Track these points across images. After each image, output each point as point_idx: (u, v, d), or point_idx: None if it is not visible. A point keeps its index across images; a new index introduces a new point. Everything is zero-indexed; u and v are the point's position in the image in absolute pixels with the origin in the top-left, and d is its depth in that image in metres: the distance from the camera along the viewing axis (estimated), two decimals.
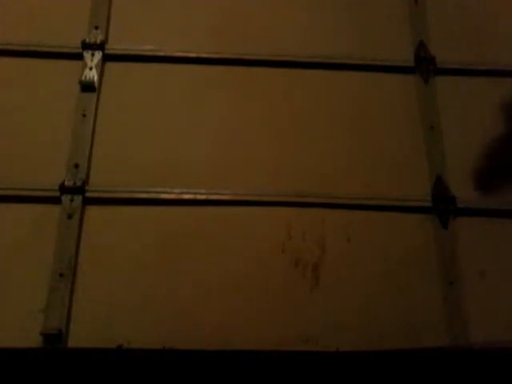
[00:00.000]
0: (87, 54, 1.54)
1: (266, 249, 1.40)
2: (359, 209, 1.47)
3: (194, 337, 1.29)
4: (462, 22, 1.71)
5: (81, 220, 1.38)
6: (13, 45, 1.54)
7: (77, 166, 1.43)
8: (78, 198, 1.39)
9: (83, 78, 1.51)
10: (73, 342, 1.27)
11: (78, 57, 1.54)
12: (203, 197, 1.43)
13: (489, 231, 1.47)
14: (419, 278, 1.40)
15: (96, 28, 1.58)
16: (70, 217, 1.37)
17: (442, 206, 1.48)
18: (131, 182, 1.44)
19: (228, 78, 1.58)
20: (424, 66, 1.63)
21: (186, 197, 1.43)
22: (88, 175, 1.43)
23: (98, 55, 1.54)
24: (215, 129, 1.52)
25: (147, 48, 1.58)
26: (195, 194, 1.43)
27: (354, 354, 1.04)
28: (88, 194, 1.40)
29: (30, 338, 1.26)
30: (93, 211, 1.40)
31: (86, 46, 1.55)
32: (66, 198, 1.39)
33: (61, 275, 1.31)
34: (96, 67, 1.53)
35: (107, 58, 1.56)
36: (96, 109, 1.50)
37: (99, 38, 1.56)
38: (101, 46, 1.55)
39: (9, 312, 1.29)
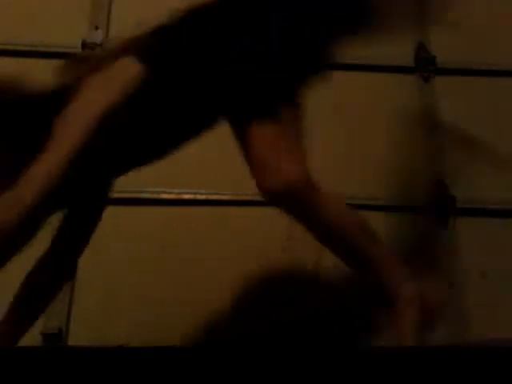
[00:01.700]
0: None
1: (266, 249, 1.40)
2: (359, 209, 1.46)
3: (194, 336, 1.29)
4: (461, 22, 1.71)
5: None
6: (13, 45, 1.55)
7: None
8: None
9: None
10: (73, 341, 1.27)
11: None
12: (203, 197, 1.43)
13: (488, 231, 1.47)
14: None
15: (96, 28, 1.58)
16: None
17: (441, 205, 1.48)
18: (131, 182, 1.43)
19: None
20: (424, 66, 1.64)
21: (186, 197, 1.43)
22: None
23: None
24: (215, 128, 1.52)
25: None
26: (195, 194, 1.43)
27: (353, 353, 1.03)
28: None
29: (30, 338, 1.26)
30: None
31: (86, 45, 1.55)
32: None
33: None
34: None
35: None
36: None
37: (99, 38, 1.56)
38: (101, 46, 1.55)
39: None
